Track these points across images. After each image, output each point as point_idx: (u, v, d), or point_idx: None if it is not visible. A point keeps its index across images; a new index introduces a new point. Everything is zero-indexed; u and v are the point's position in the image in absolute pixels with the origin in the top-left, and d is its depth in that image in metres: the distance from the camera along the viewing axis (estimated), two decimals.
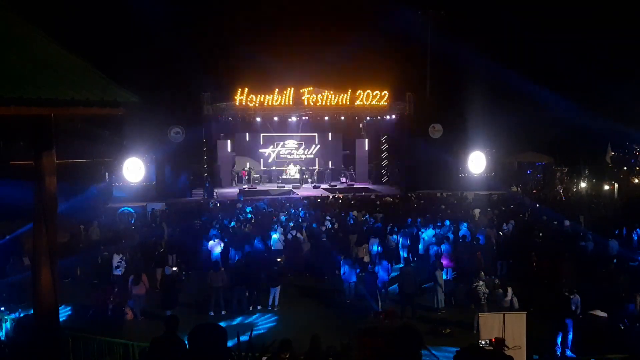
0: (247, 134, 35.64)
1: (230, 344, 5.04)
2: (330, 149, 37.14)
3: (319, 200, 26.42)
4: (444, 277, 14.26)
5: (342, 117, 33.92)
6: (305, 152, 36.71)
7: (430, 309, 13.82)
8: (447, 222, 19.51)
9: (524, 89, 34.44)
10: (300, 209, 23.43)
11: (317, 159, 36.87)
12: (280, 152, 36.49)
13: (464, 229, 18.56)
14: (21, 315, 10.04)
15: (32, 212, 6.54)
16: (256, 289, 14.38)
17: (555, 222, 19.84)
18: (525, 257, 16.10)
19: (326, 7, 37.03)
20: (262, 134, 35.80)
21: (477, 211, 22.79)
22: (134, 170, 27.44)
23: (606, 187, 32.01)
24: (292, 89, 30.12)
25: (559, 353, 11.09)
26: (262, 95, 29.91)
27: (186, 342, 4.92)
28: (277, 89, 30.05)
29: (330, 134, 36.94)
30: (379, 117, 34.58)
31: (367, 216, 21.48)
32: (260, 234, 18.10)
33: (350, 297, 14.43)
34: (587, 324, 11.30)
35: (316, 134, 36.62)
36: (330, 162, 36.90)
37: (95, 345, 9.80)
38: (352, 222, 20.59)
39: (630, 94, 32.76)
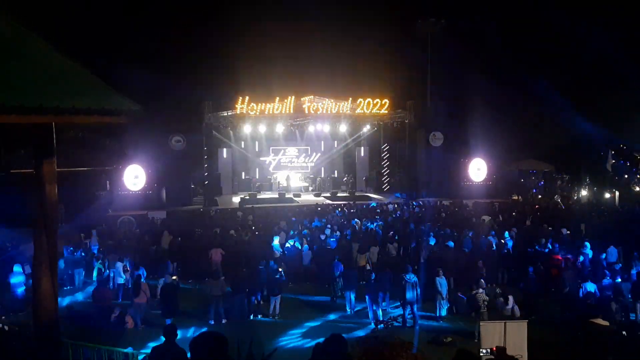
0: (248, 142, 35.65)
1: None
2: (330, 157, 37.15)
3: (319, 208, 26.42)
4: (445, 285, 14.19)
5: (343, 125, 33.97)
6: (306, 160, 36.73)
7: (431, 317, 13.79)
8: (448, 231, 19.53)
9: (524, 96, 34.55)
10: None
11: (317, 167, 36.87)
12: (281, 160, 36.52)
13: (465, 237, 18.54)
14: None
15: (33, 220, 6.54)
16: (256, 297, 14.35)
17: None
18: (526, 265, 16.06)
19: (327, 16, 37.21)
20: (262, 143, 35.81)
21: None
22: (135, 178, 27.48)
23: (607, 195, 32.01)
24: (293, 97, 30.19)
25: None
26: (263, 104, 29.98)
27: (188, 350, 4.91)
28: (277, 97, 30.13)
29: (330, 142, 36.96)
30: (379, 125, 34.63)
31: (368, 224, 21.48)
32: (261, 241, 18.15)
33: (351, 306, 14.39)
34: (589, 332, 11.25)
35: (317, 143, 36.63)
36: (330, 170, 36.91)
37: (95, 353, 9.76)
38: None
39: (630, 101, 32.81)
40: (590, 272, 15.00)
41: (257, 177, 35.75)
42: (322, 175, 36.30)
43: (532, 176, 36.39)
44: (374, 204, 28.71)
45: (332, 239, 18.67)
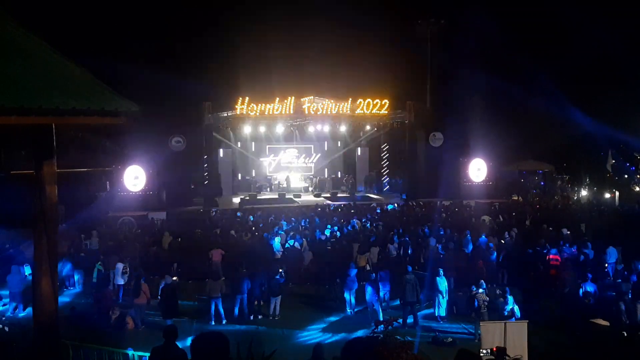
0: (248, 143, 35.63)
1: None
2: (330, 158, 37.12)
3: (319, 209, 26.41)
4: (445, 285, 14.21)
5: (343, 126, 33.95)
6: (306, 161, 36.69)
7: (431, 317, 13.79)
8: (449, 231, 19.53)
9: (524, 97, 34.54)
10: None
11: (317, 167, 36.85)
12: (281, 161, 36.48)
13: (465, 237, 18.54)
14: None
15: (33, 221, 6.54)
16: (257, 298, 14.36)
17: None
18: (526, 265, 16.07)
19: (327, 16, 37.24)
20: (262, 143, 35.78)
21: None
22: (135, 179, 27.48)
23: (607, 195, 32.01)
24: (293, 97, 30.15)
25: None
26: (263, 104, 29.94)
27: (189, 350, 4.92)
28: (277, 98, 30.09)
29: (330, 142, 36.91)
30: (379, 125, 34.61)
31: (368, 224, 21.48)
32: (261, 242, 18.17)
33: (351, 306, 14.39)
34: (589, 332, 11.26)
35: (317, 143, 36.59)
36: (330, 171, 36.88)
37: (95, 354, 9.77)
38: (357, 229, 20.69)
39: (631, 101, 32.82)
40: (591, 272, 15.00)
41: (257, 177, 35.71)
42: (322, 176, 36.27)
43: (532, 176, 36.40)
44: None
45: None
